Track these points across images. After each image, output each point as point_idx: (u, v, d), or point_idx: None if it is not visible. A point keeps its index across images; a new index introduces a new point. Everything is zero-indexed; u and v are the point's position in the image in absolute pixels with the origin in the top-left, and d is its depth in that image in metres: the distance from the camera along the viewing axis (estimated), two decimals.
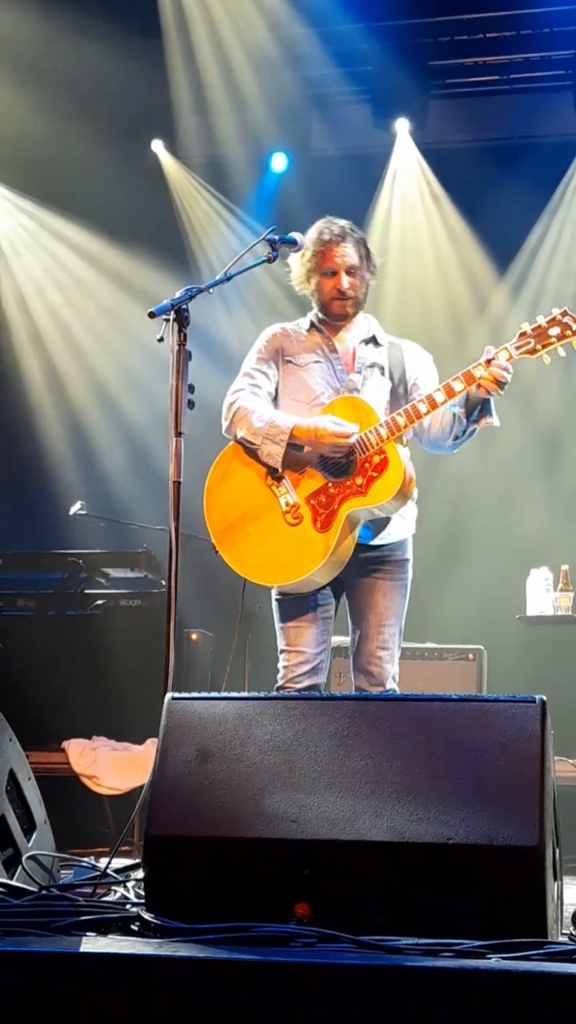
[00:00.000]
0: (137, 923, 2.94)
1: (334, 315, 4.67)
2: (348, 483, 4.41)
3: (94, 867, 3.77)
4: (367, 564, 4.54)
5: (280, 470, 4.46)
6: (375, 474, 4.39)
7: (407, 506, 4.55)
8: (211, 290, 4.27)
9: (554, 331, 4.35)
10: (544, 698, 3.06)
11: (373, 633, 4.53)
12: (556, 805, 3.08)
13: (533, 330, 4.38)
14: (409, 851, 2.91)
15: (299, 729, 3.13)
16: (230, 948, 2.62)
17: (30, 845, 3.61)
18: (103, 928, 2.90)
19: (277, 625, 4.59)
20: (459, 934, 2.74)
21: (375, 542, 4.52)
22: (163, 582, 6.19)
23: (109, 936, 2.85)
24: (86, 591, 7.02)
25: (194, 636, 7.13)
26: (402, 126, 8.46)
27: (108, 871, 3.53)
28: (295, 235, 4.52)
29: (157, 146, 8.92)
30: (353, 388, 4.59)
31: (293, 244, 4.52)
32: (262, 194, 8.78)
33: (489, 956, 2.60)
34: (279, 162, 8.75)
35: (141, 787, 4.07)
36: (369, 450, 4.38)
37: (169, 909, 2.94)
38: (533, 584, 6.98)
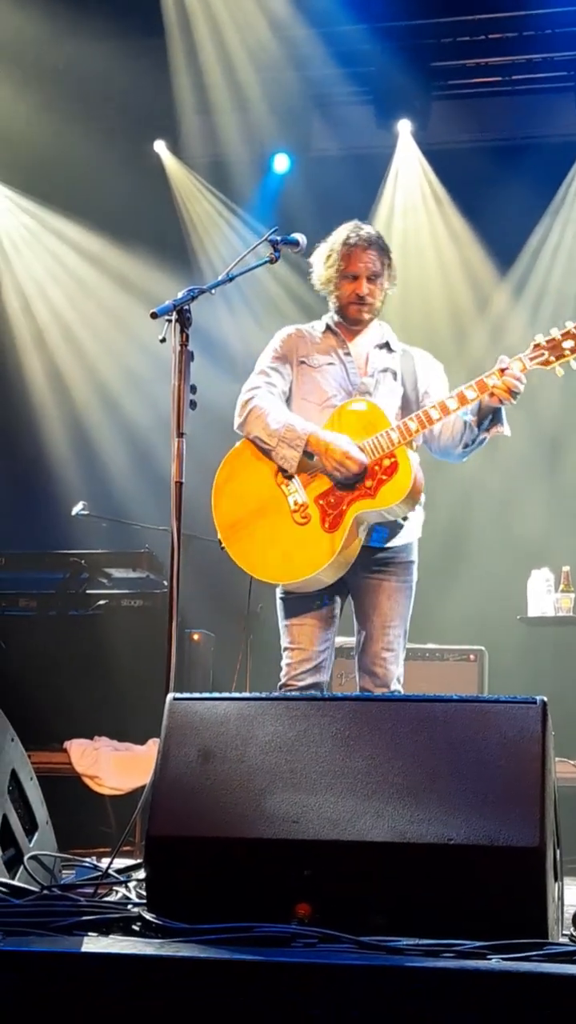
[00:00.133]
0: (138, 923, 2.94)
1: (350, 319, 4.70)
2: (357, 485, 4.42)
3: (96, 867, 3.78)
4: (373, 565, 4.55)
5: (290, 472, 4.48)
6: (384, 477, 4.40)
7: (415, 510, 4.57)
8: (213, 291, 4.28)
9: (568, 344, 4.38)
10: (545, 699, 3.07)
11: (378, 634, 4.54)
12: (557, 806, 3.08)
13: (547, 342, 4.40)
14: (410, 852, 2.91)
15: (301, 729, 3.13)
16: (231, 948, 2.62)
17: (32, 845, 3.61)
18: (104, 928, 2.90)
19: (281, 623, 4.60)
20: (460, 935, 2.74)
21: (371, 544, 4.54)
22: (165, 582, 6.19)
23: (110, 936, 2.85)
24: (88, 591, 7.02)
25: (196, 636, 7.13)
26: (404, 127, 8.48)
27: (110, 871, 3.53)
28: (297, 236, 4.52)
29: (159, 146, 8.93)
30: (365, 391, 4.62)
31: (295, 245, 4.53)
32: (264, 195, 8.78)
33: (490, 957, 2.60)
34: (281, 163, 8.76)
35: (143, 787, 4.08)
36: (379, 453, 4.40)
37: (170, 909, 2.94)
38: (534, 585, 6.98)
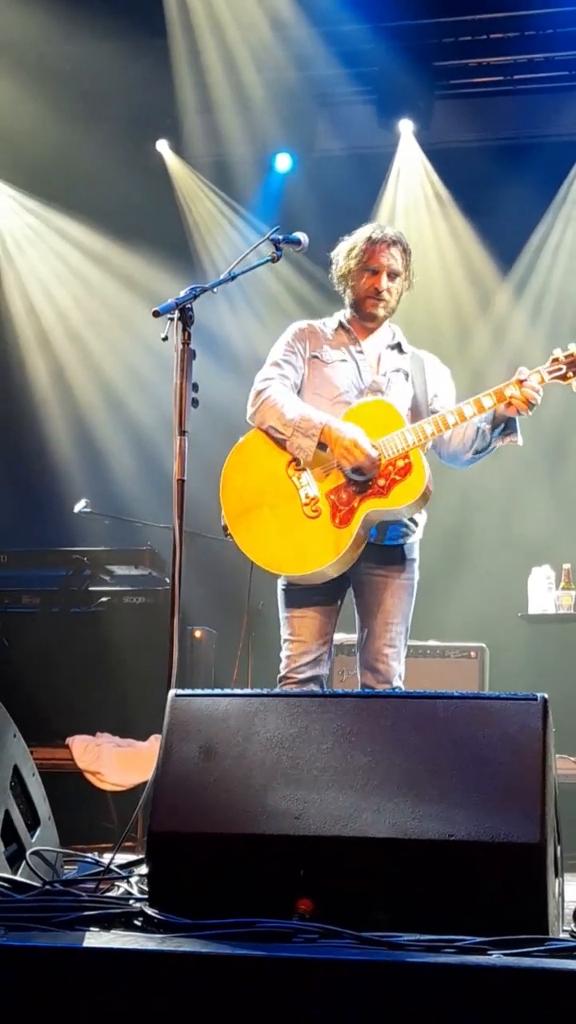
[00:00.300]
0: (140, 919, 2.94)
1: (365, 314, 4.70)
2: (370, 483, 4.43)
3: (97, 863, 3.79)
4: (377, 562, 4.56)
5: (302, 462, 4.48)
6: (398, 477, 4.42)
7: (422, 513, 4.61)
8: (215, 289, 4.29)
9: None
10: (546, 696, 3.07)
11: (380, 631, 4.55)
12: (557, 802, 3.09)
13: (566, 357, 4.46)
14: (411, 848, 2.92)
15: (302, 726, 3.13)
16: (233, 944, 2.63)
17: (34, 841, 3.62)
18: (106, 924, 2.90)
19: (282, 614, 4.61)
20: (461, 930, 2.75)
21: (386, 542, 4.56)
22: (167, 580, 6.23)
23: (112, 931, 2.85)
24: (90, 588, 7.04)
25: (198, 633, 7.14)
26: (406, 126, 8.48)
27: (111, 867, 3.54)
28: (299, 235, 4.53)
29: (162, 146, 8.93)
30: (378, 390, 4.63)
31: (297, 244, 4.54)
32: (266, 194, 8.79)
33: (490, 952, 2.61)
34: (283, 162, 8.76)
35: (144, 783, 4.09)
36: (394, 453, 4.41)
37: (172, 905, 2.95)
38: (535, 582, 6.99)
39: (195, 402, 4.09)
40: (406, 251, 4.71)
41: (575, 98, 8.18)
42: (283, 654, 4.58)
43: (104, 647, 6.72)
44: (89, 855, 4.04)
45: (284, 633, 4.59)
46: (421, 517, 4.66)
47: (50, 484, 8.55)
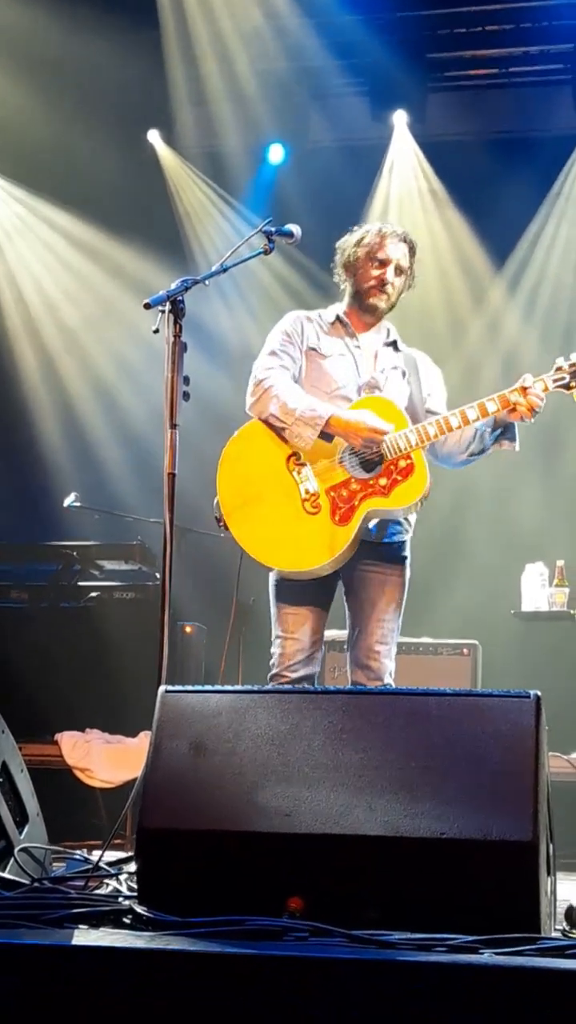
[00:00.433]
0: (129, 916, 2.93)
1: (366, 305, 4.68)
2: (371, 482, 4.42)
3: (86, 860, 3.77)
4: (369, 559, 4.54)
5: (303, 456, 4.46)
6: (400, 478, 4.43)
7: (416, 513, 4.62)
8: (207, 282, 4.26)
9: None
10: (539, 694, 3.06)
11: (372, 628, 4.54)
12: (550, 800, 3.07)
13: (569, 366, 4.49)
14: (403, 846, 2.90)
15: (293, 723, 3.12)
16: (223, 942, 2.61)
17: (22, 837, 3.60)
18: (95, 921, 2.89)
19: (273, 610, 4.58)
20: (452, 929, 2.73)
21: (385, 540, 4.56)
22: (157, 575, 6.20)
23: (101, 929, 2.84)
24: (80, 583, 7.01)
25: (188, 629, 7.12)
26: (400, 119, 8.45)
27: (100, 864, 3.52)
28: (291, 227, 4.51)
29: (153, 136, 8.90)
30: (375, 386, 4.62)
31: (290, 236, 4.51)
32: (259, 186, 8.76)
33: (482, 951, 2.60)
34: (276, 154, 8.74)
35: (134, 780, 4.07)
36: (396, 453, 4.41)
37: (162, 902, 2.93)
38: (528, 580, 6.98)
39: (186, 395, 4.07)
40: (412, 251, 4.72)
41: (570, 92, 8.16)
42: (275, 651, 4.55)
43: (94, 642, 6.70)
44: (78, 852, 4.01)
45: (276, 630, 4.56)
46: (413, 516, 4.66)
47: (39, 478, 8.52)
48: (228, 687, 3.29)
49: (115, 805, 5.95)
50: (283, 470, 4.47)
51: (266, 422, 4.50)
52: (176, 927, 2.79)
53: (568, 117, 8.26)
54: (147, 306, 4.07)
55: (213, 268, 4.37)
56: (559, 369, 4.50)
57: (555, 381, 4.47)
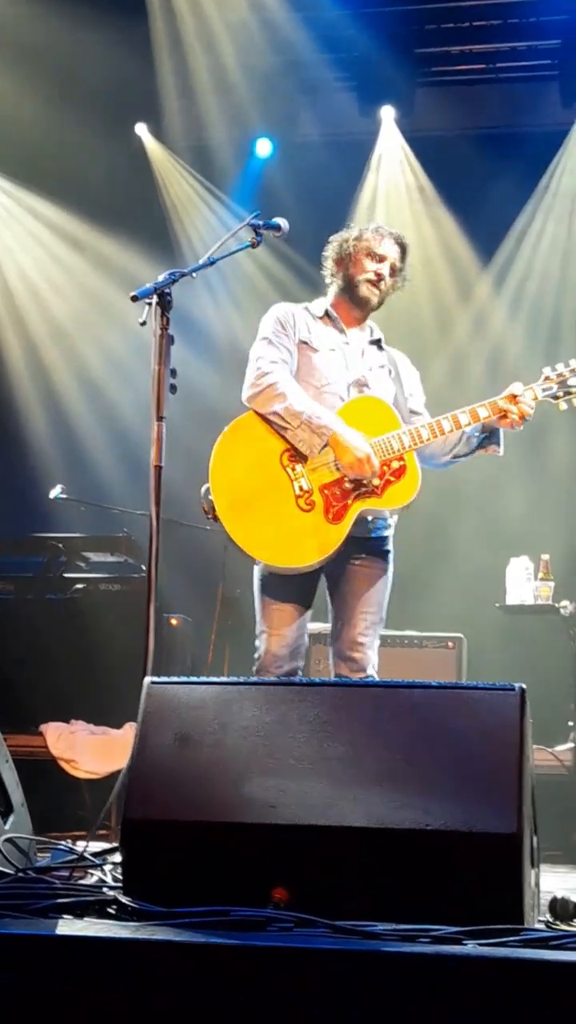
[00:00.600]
0: (114, 906, 2.93)
1: (358, 298, 4.69)
2: (364, 482, 4.44)
3: (71, 850, 3.77)
4: (353, 553, 4.55)
5: (297, 453, 4.46)
6: (392, 479, 4.48)
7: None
8: (194, 274, 4.26)
9: (573, 381, 4.64)
10: (523, 686, 3.07)
11: (356, 620, 4.55)
12: (534, 793, 3.09)
13: (557, 376, 4.63)
14: (387, 837, 2.91)
15: (279, 714, 3.12)
16: (207, 932, 2.62)
17: (7, 828, 3.60)
18: (80, 911, 2.89)
19: (258, 604, 4.58)
20: (436, 920, 2.74)
21: (372, 534, 4.58)
22: (143, 567, 6.19)
23: (86, 919, 2.84)
24: (66, 575, 7.00)
25: (174, 621, 7.12)
26: (388, 113, 8.46)
27: (85, 854, 3.53)
28: (279, 220, 4.51)
29: (141, 129, 8.89)
30: (363, 384, 4.63)
31: (277, 229, 4.51)
32: (246, 179, 8.76)
33: (465, 942, 2.60)
34: (264, 147, 8.74)
35: (119, 771, 4.07)
36: (389, 455, 4.45)
37: (146, 893, 2.93)
38: (513, 573, 6.99)
39: (173, 388, 4.06)
40: (405, 253, 4.76)
41: (557, 87, 8.17)
42: (259, 646, 4.54)
43: (79, 634, 6.69)
44: (63, 843, 4.01)
45: (261, 625, 4.56)
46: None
47: (25, 470, 8.50)
48: (214, 679, 3.30)
49: (100, 796, 5.96)
50: (277, 466, 4.47)
51: (265, 418, 4.50)
52: (161, 917, 2.79)
53: (555, 113, 8.27)
54: (134, 298, 4.06)
55: (200, 261, 4.36)
56: (547, 379, 4.63)
57: (544, 391, 4.62)
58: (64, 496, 7.28)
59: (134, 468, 7.72)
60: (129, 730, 6.11)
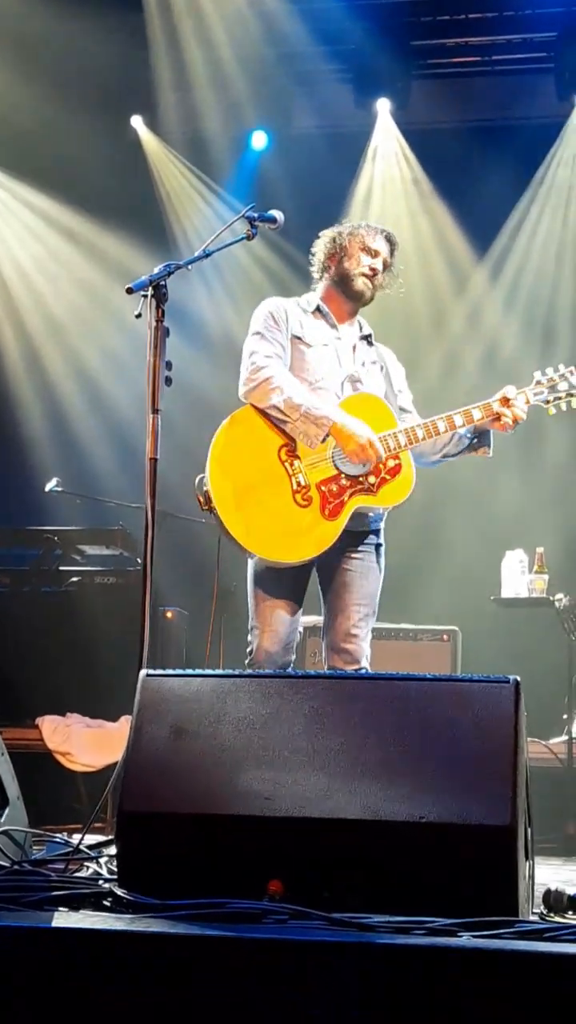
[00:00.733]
0: (109, 899, 2.93)
1: (352, 292, 4.71)
2: (361, 479, 4.47)
3: (67, 843, 3.77)
4: (345, 547, 4.55)
5: (295, 448, 4.46)
6: (388, 477, 4.51)
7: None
8: (189, 267, 4.25)
9: (563, 386, 4.71)
10: (518, 679, 3.08)
11: (349, 611, 4.55)
12: (528, 785, 3.09)
13: (548, 381, 4.70)
14: (382, 829, 2.92)
15: (274, 707, 3.13)
16: (202, 924, 2.62)
17: (3, 820, 3.60)
18: (75, 904, 2.89)
19: (251, 599, 4.57)
20: (431, 912, 2.74)
21: (365, 527, 4.59)
22: (139, 560, 6.18)
23: (81, 912, 2.84)
24: (61, 568, 7.00)
25: (169, 614, 7.12)
26: (383, 106, 8.45)
27: (81, 847, 3.53)
28: (274, 213, 4.50)
29: (136, 121, 8.88)
30: (356, 380, 4.64)
31: (272, 222, 4.51)
32: (242, 172, 8.75)
33: (460, 934, 2.61)
34: (259, 140, 8.73)
35: (115, 764, 4.08)
36: (387, 452, 4.46)
37: (141, 885, 2.94)
38: (508, 566, 7.00)
39: (168, 380, 4.05)
40: (394, 250, 4.78)
41: (552, 80, 8.16)
42: (252, 641, 4.54)
43: (75, 627, 6.69)
44: (58, 836, 4.01)
45: (254, 620, 4.55)
46: None
47: (21, 463, 8.49)
48: (209, 671, 3.30)
49: (95, 789, 5.97)
50: (275, 461, 4.47)
51: (264, 412, 4.49)
52: (156, 910, 2.79)
53: (551, 105, 8.27)
54: (129, 291, 4.06)
55: (196, 253, 4.36)
56: (538, 383, 4.69)
57: (535, 395, 4.67)
58: (59, 489, 7.28)
59: (129, 461, 7.72)
60: (124, 723, 6.12)
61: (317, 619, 5.11)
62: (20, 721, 6.37)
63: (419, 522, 7.25)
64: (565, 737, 6.47)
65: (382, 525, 4.68)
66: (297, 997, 2.44)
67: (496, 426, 4.61)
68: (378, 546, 4.66)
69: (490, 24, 8.12)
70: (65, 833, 4.15)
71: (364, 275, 4.68)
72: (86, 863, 3.47)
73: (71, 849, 3.55)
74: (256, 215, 4.46)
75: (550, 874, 4.33)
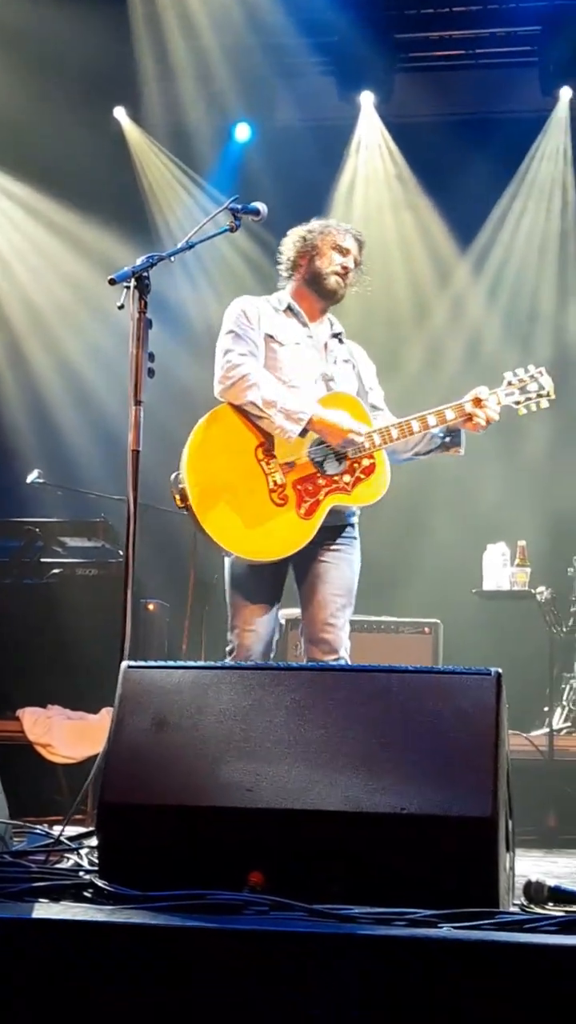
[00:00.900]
0: (90, 890, 2.93)
1: (325, 291, 4.70)
2: (336, 478, 4.48)
3: (48, 834, 3.77)
4: (321, 541, 4.55)
5: (271, 447, 4.46)
6: (362, 476, 4.53)
7: None
8: (172, 258, 4.24)
9: (532, 387, 4.72)
10: (500, 671, 3.08)
11: (326, 602, 4.55)
12: (509, 778, 3.10)
13: (518, 382, 4.71)
14: (363, 821, 2.92)
15: (255, 698, 3.12)
16: (183, 915, 2.63)
17: None
18: (56, 895, 2.89)
19: (229, 597, 4.57)
20: (412, 903, 2.75)
21: (340, 522, 4.59)
22: (120, 552, 6.18)
23: (62, 903, 2.84)
24: (42, 560, 6.99)
25: (151, 606, 7.12)
26: (367, 99, 8.46)
27: (62, 838, 3.52)
28: (257, 205, 4.49)
29: (119, 113, 8.86)
30: (329, 379, 4.64)
31: (256, 214, 4.50)
32: (225, 164, 8.74)
33: (440, 925, 2.62)
34: (243, 132, 8.72)
35: (95, 756, 4.07)
36: (361, 452, 4.48)
37: (123, 877, 2.93)
38: (490, 559, 7.01)
39: (151, 372, 4.05)
40: (361, 251, 4.78)
41: (536, 73, 8.17)
42: (232, 640, 4.53)
43: (56, 619, 6.68)
44: (39, 827, 4.01)
45: (233, 620, 4.55)
46: None
47: (2, 454, 8.46)
48: (191, 663, 3.30)
49: (76, 780, 5.95)
50: (252, 460, 4.47)
51: (239, 409, 4.49)
52: (137, 901, 2.80)
53: (534, 99, 8.28)
54: (112, 282, 4.05)
55: (179, 245, 4.35)
56: (509, 384, 4.70)
57: (507, 395, 4.68)
58: (41, 481, 7.27)
59: (111, 453, 7.70)
60: (106, 715, 6.10)
61: (298, 611, 5.11)
62: (0, 713, 6.36)
63: (401, 515, 7.26)
64: (546, 730, 6.49)
65: (356, 520, 4.69)
66: (280, 987, 2.44)
67: (468, 426, 4.62)
68: (353, 539, 4.67)
69: (474, 17, 8.13)
70: (46, 824, 4.14)
71: (336, 273, 4.68)
72: (67, 854, 3.47)
73: (52, 840, 3.54)
74: (239, 207, 4.45)
75: (530, 866, 4.34)
